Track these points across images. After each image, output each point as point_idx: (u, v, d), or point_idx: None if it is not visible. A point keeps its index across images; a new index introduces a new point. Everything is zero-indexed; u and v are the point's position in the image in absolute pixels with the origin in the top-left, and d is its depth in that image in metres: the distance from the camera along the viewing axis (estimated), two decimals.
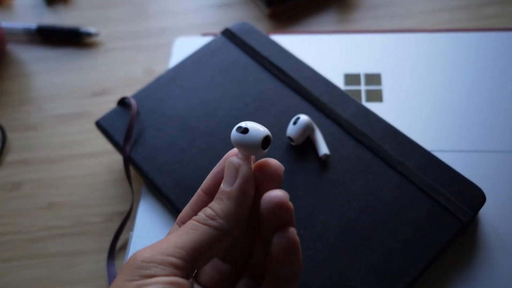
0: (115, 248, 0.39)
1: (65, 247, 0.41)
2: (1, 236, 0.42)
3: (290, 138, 0.38)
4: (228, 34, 0.46)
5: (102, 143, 0.47)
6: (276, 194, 0.24)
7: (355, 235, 0.34)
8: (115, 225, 0.41)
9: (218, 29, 0.55)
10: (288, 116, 0.40)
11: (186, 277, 0.23)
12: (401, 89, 0.45)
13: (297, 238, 0.24)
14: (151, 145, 0.40)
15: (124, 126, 0.41)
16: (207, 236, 0.24)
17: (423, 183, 0.35)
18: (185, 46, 0.49)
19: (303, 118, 0.38)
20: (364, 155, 0.37)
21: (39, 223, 0.42)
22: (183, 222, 0.26)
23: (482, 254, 0.35)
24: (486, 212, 0.37)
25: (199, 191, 0.27)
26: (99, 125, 0.42)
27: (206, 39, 0.49)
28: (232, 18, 0.56)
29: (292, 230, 0.24)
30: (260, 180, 0.25)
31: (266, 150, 0.25)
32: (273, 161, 0.26)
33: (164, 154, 0.39)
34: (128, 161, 0.40)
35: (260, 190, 0.25)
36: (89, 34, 0.55)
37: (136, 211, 0.40)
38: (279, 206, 0.24)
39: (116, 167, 0.45)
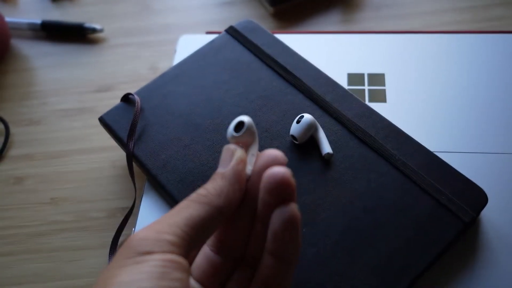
0: (117, 244, 0.39)
1: (68, 242, 0.41)
2: (4, 230, 0.42)
3: (293, 137, 0.38)
4: (232, 31, 0.46)
5: (105, 139, 0.47)
6: (279, 169, 0.24)
7: (357, 233, 0.34)
8: (118, 221, 0.41)
9: (222, 27, 0.55)
10: (292, 114, 0.40)
11: (183, 255, 0.23)
12: (404, 90, 0.45)
13: (298, 213, 0.24)
14: (154, 141, 0.40)
15: (128, 122, 0.41)
16: (199, 212, 0.24)
17: (426, 183, 0.35)
18: (189, 44, 0.50)
19: (307, 117, 0.38)
20: (367, 155, 0.37)
21: (42, 218, 0.42)
22: None
23: (484, 255, 0.35)
24: (488, 214, 0.37)
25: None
26: (103, 120, 0.42)
27: (210, 37, 0.50)
28: (236, 16, 0.56)
29: (293, 205, 0.24)
30: (261, 167, 0.26)
31: (239, 133, 0.27)
32: (273, 150, 0.26)
33: (168, 150, 0.39)
34: (131, 157, 0.40)
35: (261, 173, 0.25)
36: (93, 30, 0.55)
37: (138, 207, 0.40)
38: (281, 182, 0.24)
39: (119, 163, 0.45)
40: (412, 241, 0.33)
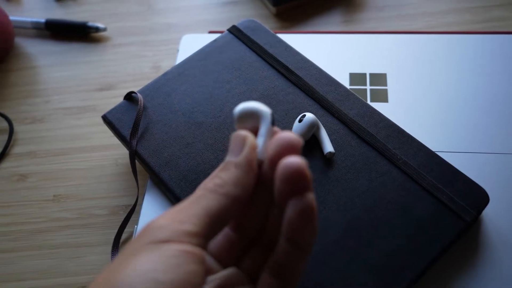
0: (120, 241, 0.40)
1: (70, 239, 0.41)
2: (7, 226, 0.42)
3: None
4: (235, 31, 0.46)
5: (108, 137, 0.47)
6: (293, 160, 0.23)
7: (358, 232, 0.34)
8: (120, 218, 0.42)
9: (225, 27, 0.55)
10: (294, 114, 0.40)
11: (201, 245, 0.23)
12: (406, 89, 0.45)
13: (314, 204, 0.24)
14: (157, 139, 0.40)
15: (131, 120, 0.42)
16: (217, 202, 0.24)
17: (427, 182, 0.35)
18: (192, 43, 0.50)
19: (309, 116, 0.38)
20: (369, 154, 0.37)
21: (45, 215, 0.43)
22: None
23: (485, 254, 0.35)
24: (489, 213, 0.37)
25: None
26: (106, 119, 0.42)
27: (213, 37, 0.50)
28: (239, 16, 0.56)
29: (309, 196, 0.24)
30: (276, 153, 0.25)
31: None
32: (287, 133, 0.25)
33: (170, 148, 0.40)
34: (133, 155, 0.40)
35: (275, 160, 0.25)
36: (97, 29, 0.55)
37: (141, 205, 0.40)
38: (295, 173, 0.23)
39: (121, 160, 0.45)
40: (413, 240, 0.33)
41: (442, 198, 0.35)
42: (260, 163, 0.26)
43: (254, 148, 0.26)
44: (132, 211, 0.40)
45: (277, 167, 0.24)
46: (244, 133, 0.26)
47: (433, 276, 0.34)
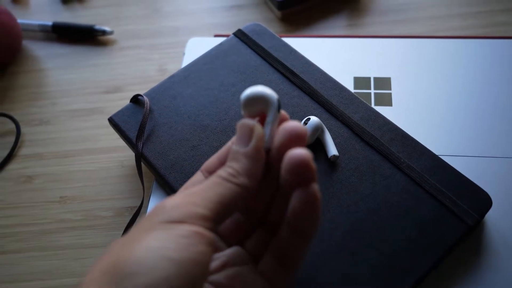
0: None
1: (76, 240, 0.41)
2: (13, 227, 0.43)
3: None
4: (240, 35, 0.47)
5: (114, 139, 0.47)
6: (300, 152, 0.24)
7: (361, 235, 0.34)
8: (126, 220, 0.42)
9: (231, 31, 0.56)
10: (298, 117, 0.41)
11: (211, 229, 0.23)
12: (410, 93, 0.45)
13: (318, 195, 0.24)
14: (163, 142, 0.41)
15: (137, 122, 0.42)
16: (230, 191, 0.25)
17: (430, 185, 0.36)
18: (198, 46, 0.50)
19: (313, 119, 0.38)
20: (373, 157, 0.38)
21: (51, 216, 0.43)
22: (208, 170, 0.28)
23: (488, 258, 0.35)
24: (492, 217, 0.37)
25: (229, 143, 0.29)
26: (112, 121, 0.43)
27: (219, 40, 0.50)
28: (244, 20, 0.57)
29: (313, 187, 0.24)
30: (283, 142, 0.26)
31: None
32: (293, 123, 0.26)
33: (176, 151, 0.40)
34: (139, 157, 0.40)
35: (282, 150, 0.26)
36: (103, 32, 0.56)
37: (146, 207, 0.40)
38: (301, 165, 0.24)
39: (127, 162, 0.46)
40: (416, 243, 0.33)
41: (445, 202, 0.35)
42: (267, 151, 0.27)
43: (262, 138, 0.26)
44: (138, 213, 0.41)
45: (283, 157, 0.25)
46: (251, 122, 0.26)
47: (435, 279, 0.35)
